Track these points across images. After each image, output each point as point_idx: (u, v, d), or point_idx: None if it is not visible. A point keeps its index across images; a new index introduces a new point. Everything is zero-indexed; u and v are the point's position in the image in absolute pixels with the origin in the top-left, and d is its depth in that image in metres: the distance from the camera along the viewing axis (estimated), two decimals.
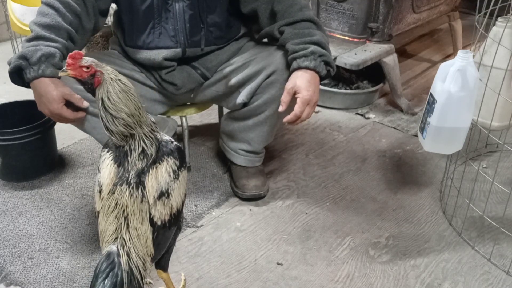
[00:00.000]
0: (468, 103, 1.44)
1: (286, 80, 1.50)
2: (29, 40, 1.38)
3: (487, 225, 1.61)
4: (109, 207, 1.13)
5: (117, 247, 1.10)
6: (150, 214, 1.12)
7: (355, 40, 2.38)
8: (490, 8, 1.52)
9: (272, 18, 1.57)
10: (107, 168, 1.16)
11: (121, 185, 1.12)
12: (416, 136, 2.02)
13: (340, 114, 2.35)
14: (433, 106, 1.46)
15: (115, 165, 1.15)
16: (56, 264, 1.48)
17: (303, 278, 1.45)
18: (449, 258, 1.53)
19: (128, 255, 1.10)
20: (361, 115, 2.34)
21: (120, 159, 1.14)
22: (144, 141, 1.14)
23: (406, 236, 1.61)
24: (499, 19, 1.54)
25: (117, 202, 1.13)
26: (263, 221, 1.67)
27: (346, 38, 2.41)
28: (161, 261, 1.24)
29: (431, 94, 1.49)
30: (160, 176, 1.14)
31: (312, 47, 1.46)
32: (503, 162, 1.95)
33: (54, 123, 1.86)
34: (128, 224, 1.12)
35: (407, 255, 1.54)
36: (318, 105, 2.39)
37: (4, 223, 1.63)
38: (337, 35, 2.44)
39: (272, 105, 1.58)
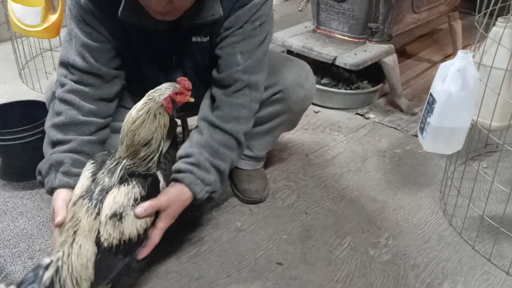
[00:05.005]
0: (468, 103, 1.44)
1: (292, 98, 1.54)
2: (47, 145, 1.34)
3: (487, 225, 1.61)
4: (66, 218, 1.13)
5: (51, 260, 1.08)
6: (98, 232, 1.10)
7: (355, 40, 2.39)
8: (490, 8, 1.52)
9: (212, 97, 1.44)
10: (82, 180, 1.17)
11: (84, 199, 1.12)
12: (416, 136, 2.02)
13: (340, 114, 2.35)
14: (433, 106, 1.46)
15: (91, 179, 1.16)
16: None
17: (303, 278, 1.45)
18: (449, 258, 1.53)
19: (57, 271, 1.07)
20: (361, 115, 2.34)
21: (96, 173, 1.16)
22: (122, 163, 1.16)
23: (406, 236, 1.61)
24: (499, 19, 1.54)
25: (74, 215, 1.12)
26: (263, 221, 1.67)
27: (346, 38, 2.41)
28: None
29: (431, 94, 1.49)
30: (119, 196, 1.13)
31: (212, 178, 1.33)
32: (503, 162, 1.95)
33: None
34: (74, 239, 1.10)
35: (407, 255, 1.54)
36: (318, 105, 2.39)
37: (4, 223, 1.63)
38: (337, 35, 2.45)
39: (276, 118, 1.59)
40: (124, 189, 1.14)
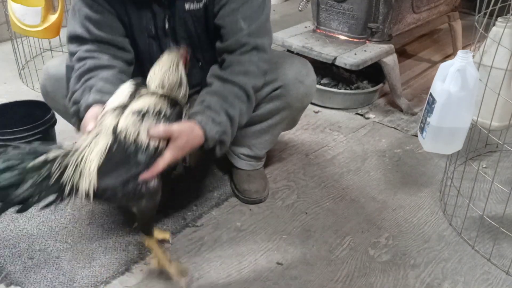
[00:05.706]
0: (468, 103, 1.44)
1: (292, 95, 1.53)
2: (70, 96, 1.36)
3: (487, 225, 1.61)
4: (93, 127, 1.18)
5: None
6: (118, 124, 1.14)
7: (355, 40, 2.39)
8: (490, 8, 1.52)
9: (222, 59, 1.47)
10: (120, 96, 1.21)
11: (115, 110, 1.17)
12: (416, 136, 2.02)
13: (340, 114, 2.35)
14: (433, 106, 1.46)
15: (129, 96, 1.20)
16: (56, 264, 1.48)
17: (303, 278, 1.45)
18: (449, 258, 1.53)
19: (64, 156, 1.12)
20: (361, 115, 2.34)
21: (134, 95, 1.21)
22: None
23: (406, 236, 1.61)
24: (499, 19, 1.55)
25: (102, 122, 1.17)
26: (263, 221, 1.67)
27: (346, 38, 2.41)
28: (137, 222, 1.24)
29: (431, 94, 1.49)
30: (148, 101, 1.18)
31: (222, 119, 1.34)
32: (503, 162, 1.95)
33: (54, 123, 1.86)
34: (94, 138, 1.14)
35: (407, 255, 1.54)
36: (318, 105, 2.39)
37: (4, 223, 1.63)
38: (337, 35, 2.45)
39: (276, 115, 1.59)
40: (155, 98, 1.20)
